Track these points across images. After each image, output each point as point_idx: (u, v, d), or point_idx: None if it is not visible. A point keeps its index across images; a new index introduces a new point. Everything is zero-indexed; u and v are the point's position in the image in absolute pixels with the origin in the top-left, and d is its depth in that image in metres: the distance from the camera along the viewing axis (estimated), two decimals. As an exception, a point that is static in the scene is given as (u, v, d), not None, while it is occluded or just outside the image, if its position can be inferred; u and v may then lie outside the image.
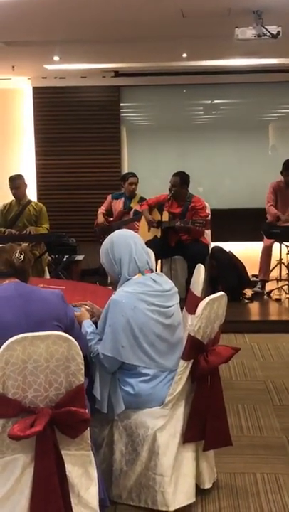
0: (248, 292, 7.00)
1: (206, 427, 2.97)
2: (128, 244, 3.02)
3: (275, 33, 4.87)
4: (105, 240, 3.09)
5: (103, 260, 3.08)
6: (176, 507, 2.90)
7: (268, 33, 4.85)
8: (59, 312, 2.56)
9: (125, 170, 8.86)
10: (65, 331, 2.43)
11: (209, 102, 9.27)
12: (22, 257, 2.65)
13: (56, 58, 7.33)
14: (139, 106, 9.39)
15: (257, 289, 7.10)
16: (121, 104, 9.07)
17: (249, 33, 4.87)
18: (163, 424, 2.90)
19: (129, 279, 3.01)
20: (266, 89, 8.92)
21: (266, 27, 4.91)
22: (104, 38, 6.39)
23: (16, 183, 6.66)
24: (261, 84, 8.80)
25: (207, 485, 3.09)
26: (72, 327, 2.63)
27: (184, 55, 7.39)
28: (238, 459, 3.45)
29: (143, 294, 2.94)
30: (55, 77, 8.75)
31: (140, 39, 6.45)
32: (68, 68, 8.09)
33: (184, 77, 8.68)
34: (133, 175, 7.44)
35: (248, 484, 3.21)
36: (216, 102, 9.27)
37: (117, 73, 8.73)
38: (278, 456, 3.50)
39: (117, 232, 3.12)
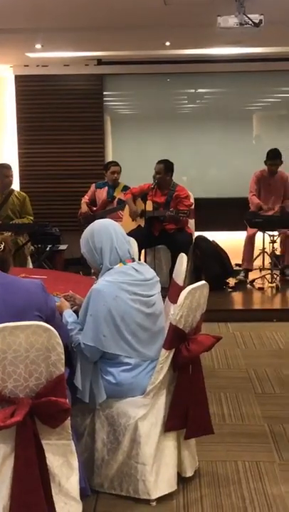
0: (232, 281, 7.03)
1: (187, 415, 2.98)
2: (109, 233, 3.01)
3: (257, 21, 4.84)
4: (85, 230, 3.07)
5: (84, 250, 3.07)
6: (158, 495, 2.91)
7: (250, 22, 4.83)
8: (39, 302, 2.55)
9: (109, 159, 8.82)
10: (45, 321, 2.42)
11: (193, 90, 9.24)
12: (2, 246, 2.63)
13: (38, 46, 7.26)
14: (123, 94, 9.34)
15: (240, 277, 7.12)
16: (104, 93, 9.01)
17: (231, 21, 4.84)
18: (144, 413, 2.91)
19: (110, 269, 3.00)
20: (250, 79, 8.90)
21: (248, 15, 4.88)
22: (87, 26, 6.34)
23: (11, 171, 6.62)
24: (245, 74, 8.78)
25: (189, 473, 3.11)
26: (52, 317, 2.62)
27: (167, 44, 7.35)
28: (219, 447, 3.47)
29: (124, 283, 2.93)
30: (38, 66, 8.68)
31: (123, 27, 6.41)
32: (51, 56, 8.02)
33: (168, 66, 8.64)
34: (115, 164, 7.41)
35: (229, 472, 3.23)
36: (200, 91, 9.24)
37: (100, 61, 8.66)
38: (260, 444, 3.53)
39: (97, 221, 3.10)
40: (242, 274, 7.18)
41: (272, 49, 7.92)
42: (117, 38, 6.99)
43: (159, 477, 2.92)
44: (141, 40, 7.18)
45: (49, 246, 7.03)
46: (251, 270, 7.26)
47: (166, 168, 6.71)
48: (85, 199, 7.40)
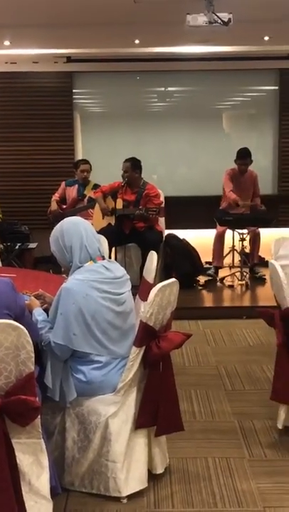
0: (202, 279, 7.06)
1: (158, 412, 2.99)
2: (78, 231, 3.00)
3: (226, 20, 4.87)
4: (55, 228, 3.06)
5: (53, 248, 3.05)
6: (129, 492, 2.92)
7: (219, 20, 4.85)
8: (8, 300, 2.53)
9: (79, 157, 8.78)
10: (14, 320, 2.40)
11: (163, 89, 9.24)
12: None
13: (7, 43, 7.20)
14: (93, 92, 9.30)
15: (210, 274, 7.16)
16: (74, 91, 8.96)
17: (200, 19, 4.86)
18: (115, 411, 2.91)
19: (80, 267, 2.99)
20: (220, 78, 8.94)
21: (217, 14, 4.91)
22: (56, 23, 6.30)
23: None
24: (215, 72, 8.81)
25: (159, 470, 3.12)
26: (22, 315, 2.60)
27: (137, 42, 7.35)
28: (190, 443, 3.49)
29: (95, 281, 2.93)
30: (6, 62, 8.59)
31: (92, 24, 6.39)
32: (19, 53, 7.96)
33: (138, 64, 8.63)
34: (85, 162, 7.39)
35: (199, 469, 3.25)
36: (169, 89, 9.25)
37: (69, 59, 8.62)
38: (230, 440, 3.55)
39: (66, 219, 3.09)
40: (212, 271, 7.22)
41: (241, 48, 7.97)
42: (86, 35, 6.97)
43: (129, 474, 2.92)
44: (110, 38, 7.16)
45: (18, 244, 6.98)
46: (221, 268, 7.31)
47: (132, 165, 6.71)
48: (55, 197, 7.36)
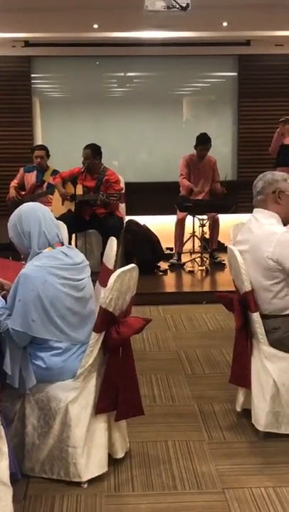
0: (163, 265, 7.09)
1: (118, 397, 3.00)
2: (37, 217, 2.98)
3: (184, 5, 4.87)
4: (13, 214, 3.03)
5: (11, 234, 3.02)
6: (89, 477, 2.93)
7: (177, 5, 4.85)
8: None
9: (38, 142, 8.71)
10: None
11: (123, 74, 9.21)
12: None
13: None
14: (52, 77, 9.21)
15: (173, 261, 7.20)
16: (32, 75, 8.87)
17: (158, 4, 4.85)
18: (75, 397, 2.91)
19: (39, 253, 2.97)
20: (180, 63, 8.94)
21: (176, -1, 4.91)
22: (13, 7, 6.22)
23: None
24: (175, 58, 8.81)
25: (120, 454, 3.14)
26: None
27: (96, 26, 7.31)
28: (150, 428, 3.51)
29: (53, 267, 2.91)
30: None
31: (50, 8, 6.34)
32: (-24, 37, 7.84)
33: (97, 49, 8.58)
34: (39, 148, 7.32)
35: (159, 452, 3.28)
36: (129, 74, 9.22)
37: (27, 43, 8.51)
38: (189, 424, 3.59)
39: (24, 205, 3.06)
40: (175, 257, 7.26)
41: (200, 33, 7.98)
42: (44, 19, 6.91)
43: (90, 459, 2.93)
44: (69, 22, 7.11)
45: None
46: (182, 253, 7.35)
47: (93, 152, 6.69)
48: (14, 183, 7.29)
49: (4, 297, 3.02)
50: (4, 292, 3.10)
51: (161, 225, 7.55)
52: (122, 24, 7.24)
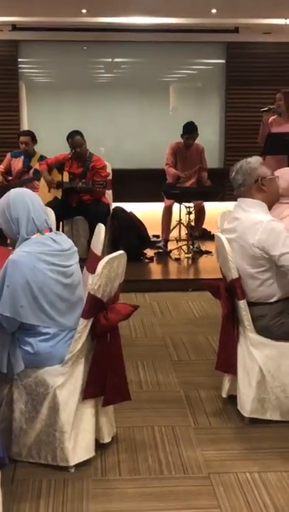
0: (149, 252, 7.11)
1: (105, 383, 3.02)
2: (25, 202, 2.97)
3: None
4: (1, 200, 3.02)
5: (-1, 220, 3.02)
6: (76, 462, 2.96)
7: (167, -8, 4.83)
8: None
9: (25, 127, 8.65)
10: None
11: (110, 60, 9.16)
12: None
13: None
14: (39, 62, 9.14)
15: (160, 248, 7.21)
16: (19, 60, 8.80)
17: (148, -10, 4.82)
18: (63, 382, 2.93)
19: (27, 239, 2.97)
20: (167, 50, 8.91)
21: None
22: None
23: None
24: (163, 44, 8.78)
25: (106, 439, 3.16)
26: None
27: (84, 11, 7.26)
28: (136, 413, 3.54)
29: (42, 253, 2.92)
30: None
31: (39, -8, 6.28)
32: None
33: (84, 34, 8.52)
34: (24, 133, 7.26)
35: (146, 437, 3.31)
36: (116, 60, 9.18)
37: (14, 27, 8.44)
38: (175, 409, 3.63)
39: (12, 190, 3.05)
40: (162, 244, 7.27)
41: (189, 20, 7.96)
42: (32, 3, 6.86)
43: (77, 444, 2.96)
44: (57, 7, 7.06)
45: None
46: (168, 241, 7.37)
47: (82, 138, 6.67)
48: (0, 168, 7.25)
49: (-8, 283, 3.02)
50: (-8, 278, 3.10)
51: (147, 213, 7.55)
52: (110, 9, 7.21)
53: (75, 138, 6.67)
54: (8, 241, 3.23)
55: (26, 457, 3.00)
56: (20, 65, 8.85)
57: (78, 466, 2.96)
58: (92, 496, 2.80)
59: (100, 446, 3.13)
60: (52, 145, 7.46)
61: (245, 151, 8.32)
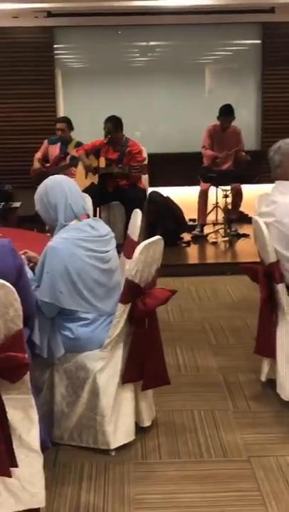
0: (186, 236, 7.09)
1: (144, 367, 3.04)
2: (63, 189, 3.00)
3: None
4: (39, 187, 3.05)
5: (38, 207, 3.05)
6: (117, 445, 3.00)
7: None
8: (7, 267, 2.46)
9: (61, 114, 8.69)
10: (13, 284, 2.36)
11: (145, 43, 9.11)
12: None
13: (-15, -3, 7.06)
14: (74, 47, 9.14)
15: (196, 232, 7.20)
16: (55, 46, 8.82)
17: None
18: (102, 366, 2.96)
19: (65, 225, 3.00)
20: (202, 31, 8.82)
21: None
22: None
23: None
24: (197, 26, 8.69)
25: (146, 423, 3.19)
26: (18, 278, 2.53)
27: (118, -5, 7.24)
28: (176, 397, 3.56)
29: (80, 239, 2.94)
30: (-15, 17, 8.43)
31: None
32: (-2, 8, 7.81)
33: (119, 18, 8.49)
34: (60, 120, 7.28)
35: (185, 421, 3.33)
36: (151, 43, 9.12)
37: (49, 13, 8.45)
38: (214, 393, 3.64)
39: (50, 178, 3.08)
40: (198, 229, 7.25)
41: (224, 1, 7.86)
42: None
43: (117, 428, 2.99)
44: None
45: (2, 203, 6.94)
46: (205, 225, 7.34)
47: (114, 126, 6.64)
48: (38, 155, 7.29)
49: (32, 269, 3.07)
50: (32, 264, 3.15)
51: (183, 196, 7.52)
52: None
53: (105, 125, 6.65)
54: (47, 227, 3.26)
55: (68, 440, 3.05)
56: (56, 51, 8.87)
57: (119, 449, 3.00)
58: (133, 478, 2.84)
59: (140, 429, 3.16)
60: (88, 131, 7.47)
61: (283, 132, 8.22)
